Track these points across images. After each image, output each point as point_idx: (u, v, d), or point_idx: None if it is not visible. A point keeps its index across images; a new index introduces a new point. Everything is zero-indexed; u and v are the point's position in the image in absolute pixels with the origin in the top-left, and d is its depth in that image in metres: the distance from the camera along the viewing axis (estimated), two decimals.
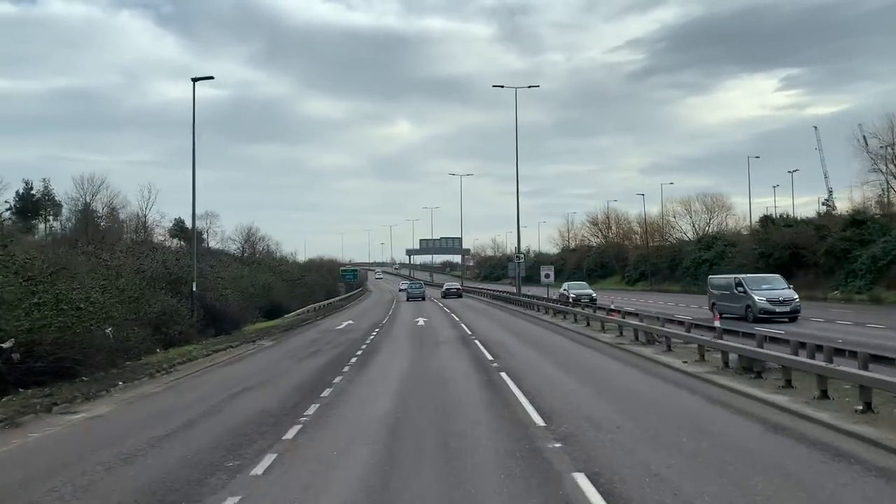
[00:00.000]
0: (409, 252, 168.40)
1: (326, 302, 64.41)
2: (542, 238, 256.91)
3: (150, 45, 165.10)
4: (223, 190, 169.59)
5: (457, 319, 42.14)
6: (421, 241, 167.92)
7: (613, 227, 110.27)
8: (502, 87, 57.12)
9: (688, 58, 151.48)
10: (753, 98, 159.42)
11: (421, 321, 41.66)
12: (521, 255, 62.34)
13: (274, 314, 46.66)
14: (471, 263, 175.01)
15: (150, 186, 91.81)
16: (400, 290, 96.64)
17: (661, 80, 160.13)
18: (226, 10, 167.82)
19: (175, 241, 75.43)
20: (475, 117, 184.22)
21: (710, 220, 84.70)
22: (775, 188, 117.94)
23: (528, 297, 55.29)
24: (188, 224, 48.00)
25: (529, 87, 61.27)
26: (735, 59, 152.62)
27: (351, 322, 43.30)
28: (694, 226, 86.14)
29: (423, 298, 74.57)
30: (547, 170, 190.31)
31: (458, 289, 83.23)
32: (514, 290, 67.75)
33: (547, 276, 60.10)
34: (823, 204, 76.46)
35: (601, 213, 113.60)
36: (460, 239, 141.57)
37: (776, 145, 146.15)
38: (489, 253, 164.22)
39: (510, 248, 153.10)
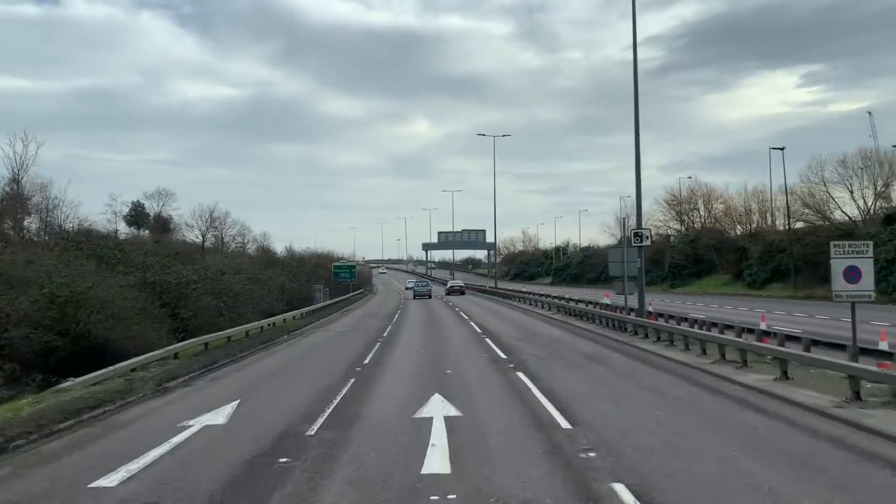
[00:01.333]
0: (426, 246, 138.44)
1: (269, 322, 34.46)
2: (592, 227, 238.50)
3: (170, 45, 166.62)
4: (241, 188, 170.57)
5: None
6: (440, 234, 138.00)
7: (702, 209, 79.42)
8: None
9: (707, 55, 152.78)
10: (774, 95, 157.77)
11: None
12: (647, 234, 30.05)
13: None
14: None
15: None
16: (406, 289, 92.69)
17: (680, 78, 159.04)
18: (244, 9, 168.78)
19: (133, 228, 68.22)
20: (493, 116, 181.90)
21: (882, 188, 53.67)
22: None
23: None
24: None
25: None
26: (755, 55, 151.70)
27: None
28: (860, 199, 55.26)
29: (430, 296, 75.77)
30: (565, 167, 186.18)
31: (461, 286, 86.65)
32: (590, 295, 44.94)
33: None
34: None
35: (685, 188, 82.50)
36: (489, 232, 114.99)
37: (798, 142, 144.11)
38: (519, 247, 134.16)
39: (544, 242, 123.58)
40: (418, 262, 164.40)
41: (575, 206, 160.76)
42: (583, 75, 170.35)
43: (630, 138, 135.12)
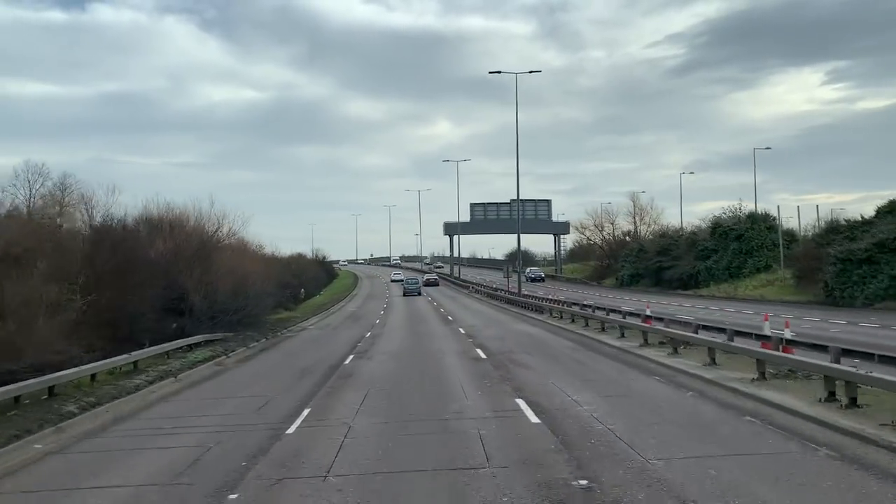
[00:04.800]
0: (450, 230, 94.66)
1: None
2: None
3: (195, 49, 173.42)
4: (263, 191, 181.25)
5: None
6: (473, 206, 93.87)
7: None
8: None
9: (730, 52, 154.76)
10: (800, 93, 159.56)
11: None
12: None
13: None
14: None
15: None
16: (392, 281, 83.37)
17: (703, 76, 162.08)
18: (267, 13, 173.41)
19: None
20: (514, 116, 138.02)
21: None
22: None
23: None
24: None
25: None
26: (780, 52, 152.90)
27: None
28: None
29: (419, 294, 63.77)
30: (588, 167, 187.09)
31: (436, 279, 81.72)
32: None
33: None
34: None
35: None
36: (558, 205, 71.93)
37: (825, 140, 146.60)
38: (599, 233, 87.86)
39: (647, 225, 78.12)
40: (437, 259, 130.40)
41: (599, 207, 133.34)
42: (605, 74, 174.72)
43: (654, 136, 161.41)
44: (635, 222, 77.14)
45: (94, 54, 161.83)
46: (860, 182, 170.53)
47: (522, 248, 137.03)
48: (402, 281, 72.71)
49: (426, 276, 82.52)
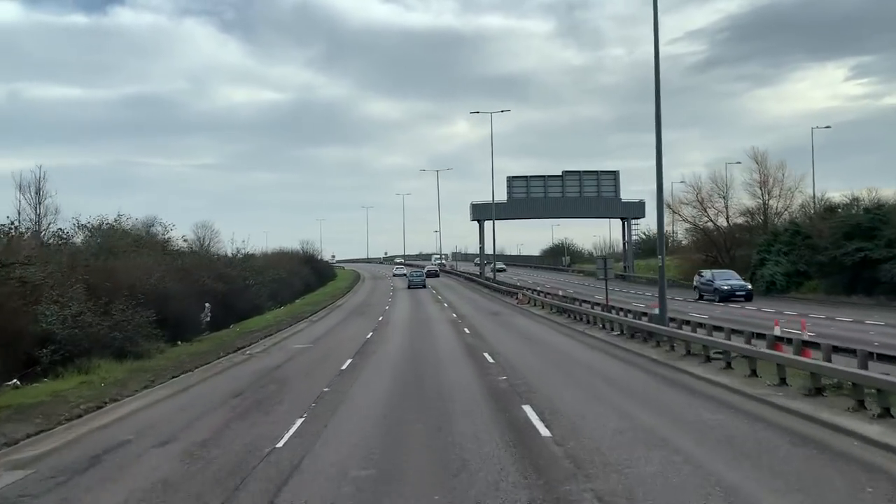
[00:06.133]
0: (478, 213, 69.44)
1: None
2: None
3: (215, 51, 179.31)
4: (283, 191, 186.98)
5: None
6: (511, 182, 68.66)
7: None
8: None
9: (751, 48, 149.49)
10: (824, 88, 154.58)
11: None
12: None
13: None
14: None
15: None
16: (395, 275, 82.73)
17: (724, 73, 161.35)
18: (286, 14, 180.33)
19: None
20: (534, 114, 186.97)
21: None
22: None
23: None
24: None
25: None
26: (802, 48, 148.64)
27: None
28: None
29: (424, 286, 63.05)
30: (608, 165, 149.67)
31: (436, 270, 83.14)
32: None
33: None
34: None
35: None
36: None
37: (850, 137, 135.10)
38: (702, 212, 60.65)
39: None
40: (458, 256, 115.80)
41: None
42: (626, 72, 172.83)
43: (675, 134, 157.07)
44: (762, 195, 51.08)
45: (115, 57, 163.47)
46: (886, 179, 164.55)
47: (560, 238, 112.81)
48: (405, 274, 73.97)
49: (427, 268, 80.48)
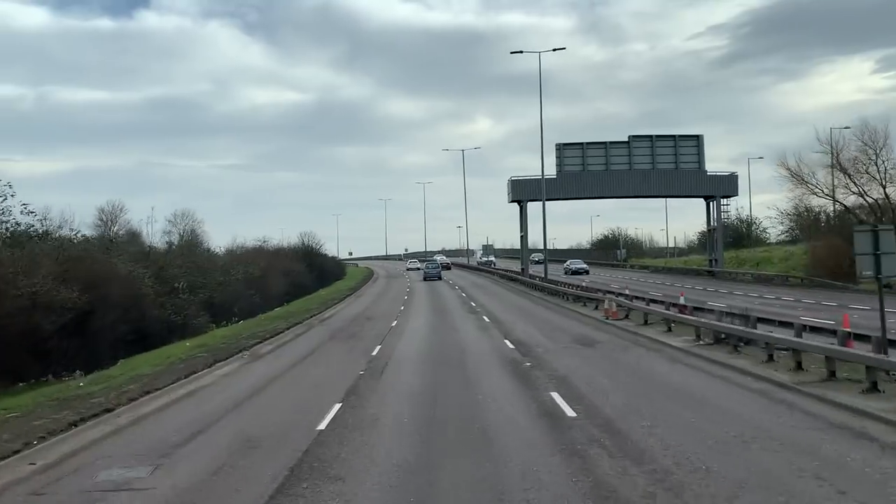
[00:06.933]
0: (520, 193, 53.70)
1: None
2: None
3: (238, 53, 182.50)
4: (305, 191, 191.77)
5: None
6: (562, 150, 52.48)
7: None
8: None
9: (775, 42, 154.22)
10: (850, 82, 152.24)
11: None
12: None
13: None
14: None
15: None
16: (408, 270, 78.83)
17: (748, 67, 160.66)
18: (308, 15, 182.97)
19: None
20: (555, 111, 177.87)
21: None
22: None
23: None
24: None
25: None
26: (827, 41, 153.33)
27: None
28: None
29: (440, 277, 62.04)
30: None
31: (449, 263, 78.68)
32: None
33: None
34: None
35: None
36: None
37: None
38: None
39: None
40: (488, 250, 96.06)
41: (642, 201, 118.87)
42: (648, 68, 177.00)
43: (698, 130, 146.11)
44: None
45: (141, 60, 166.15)
46: None
47: (611, 229, 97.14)
48: (419, 269, 73.33)
49: (440, 261, 78.94)
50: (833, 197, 39.04)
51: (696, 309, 21.32)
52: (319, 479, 7.58)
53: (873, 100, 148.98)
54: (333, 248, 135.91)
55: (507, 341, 19.98)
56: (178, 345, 21.23)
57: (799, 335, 14.15)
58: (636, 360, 16.16)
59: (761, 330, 15.93)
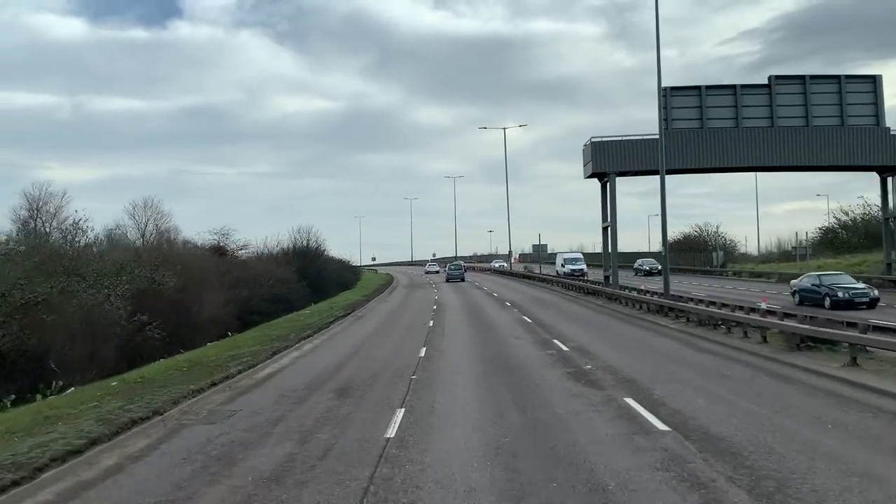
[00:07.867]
0: (602, 161, 38.05)
1: None
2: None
3: (269, 62, 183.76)
4: (335, 197, 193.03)
5: None
6: (669, 97, 33.59)
7: None
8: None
9: (809, 47, 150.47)
10: (889, 86, 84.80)
11: None
12: None
13: None
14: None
15: None
16: (427, 272, 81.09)
17: (782, 72, 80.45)
18: (337, 24, 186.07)
19: None
20: (584, 118, 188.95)
21: None
22: None
23: None
24: None
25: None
26: (863, 45, 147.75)
27: None
28: None
29: (463, 279, 63.27)
30: None
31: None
32: None
33: None
34: None
35: None
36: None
37: None
38: None
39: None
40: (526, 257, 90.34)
41: (673, 209, 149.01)
42: (678, 74, 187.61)
43: None
44: None
45: (173, 69, 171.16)
46: None
47: (698, 225, 78.72)
48: (437, 272, 76.96)
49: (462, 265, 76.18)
50: None
51: None
52: None
53: None
54: (356, 253, 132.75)
55: None
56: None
57: None
58: None
59: None
